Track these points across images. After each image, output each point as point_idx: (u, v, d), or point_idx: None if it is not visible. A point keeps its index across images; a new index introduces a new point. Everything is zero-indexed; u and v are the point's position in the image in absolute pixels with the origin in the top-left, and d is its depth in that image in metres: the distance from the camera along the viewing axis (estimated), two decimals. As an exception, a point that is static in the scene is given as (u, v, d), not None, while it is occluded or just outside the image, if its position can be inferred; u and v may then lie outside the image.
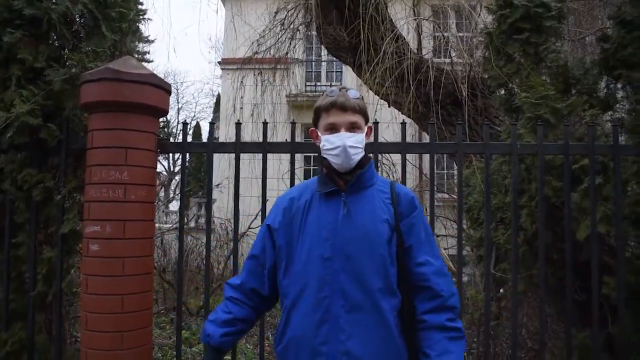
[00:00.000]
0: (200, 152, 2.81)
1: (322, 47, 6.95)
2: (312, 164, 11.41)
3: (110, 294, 2.35)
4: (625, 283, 2.59)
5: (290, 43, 7.34)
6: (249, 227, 6.99)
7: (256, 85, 8.01)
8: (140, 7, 3.37)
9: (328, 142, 1.74)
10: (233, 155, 2.67)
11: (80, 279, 2.60)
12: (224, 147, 2.77)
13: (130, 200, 2.40)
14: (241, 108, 7.82)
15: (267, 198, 2.66)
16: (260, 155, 2.68)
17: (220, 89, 12.50)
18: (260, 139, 2.68)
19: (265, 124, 2.76)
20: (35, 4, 2.56)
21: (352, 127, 1.74)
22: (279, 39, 7.30)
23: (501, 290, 3.41)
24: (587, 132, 2.61)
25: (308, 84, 12.28)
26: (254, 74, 8.04)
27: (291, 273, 1.75)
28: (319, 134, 1.80)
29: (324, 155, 1.78)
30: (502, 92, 3.44)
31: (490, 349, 2.89)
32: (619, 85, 3.27)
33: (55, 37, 2.67)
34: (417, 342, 1.72)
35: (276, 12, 7.25)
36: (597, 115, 2.86)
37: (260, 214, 2.75)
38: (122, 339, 2.35)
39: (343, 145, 1.71)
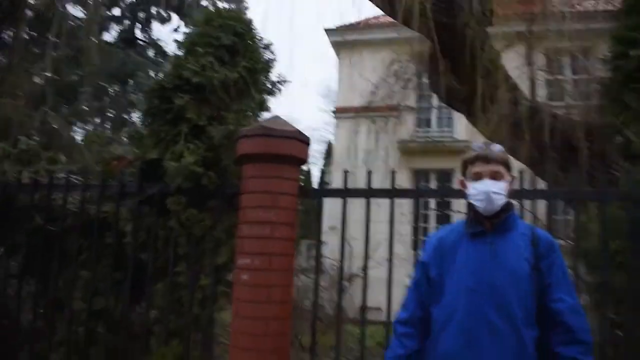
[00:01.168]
0: (335, 197, 3.18)
1: (433, 94, 7.23)
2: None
3: (257, 317, 2.76)
4: None
5: (403, 93, 7.70)
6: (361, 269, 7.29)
7: (369, 133, 8.43)
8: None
9: (474, 189, 2.03)
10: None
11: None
12: (356, 193, 3.11)
13: (275, 237, 2.82)
14: (355, 155, 8.23)
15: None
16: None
17: (334, 137, 13.13)
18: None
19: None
20: (200, 74, 3.13)
21: (495, 176, 2.02)
22: (391, 89, 7.69)
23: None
24: None
25: (419, 129, 12.57)
26: (368, 123, 8.47)
27: (441, 303, 2.02)
28: (466, 183, 2.09)
29: (470, 201, 2.06)
30: (619, 139, 3.52)
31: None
32: None
33: (214, 100, 3.22)
34: None
35: (390, 64, 7.66)
36: None
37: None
38: (265, 357, 2.73)
39: (487, 191, 1.99)
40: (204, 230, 3.07)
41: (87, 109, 11.71)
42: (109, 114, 13.54)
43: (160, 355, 3.03)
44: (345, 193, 3.03)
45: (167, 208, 3.15)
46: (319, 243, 3.13)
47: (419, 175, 12.19)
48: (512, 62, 6.64)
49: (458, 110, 7.06)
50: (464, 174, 2.13)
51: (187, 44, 3.27)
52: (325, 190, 3.14)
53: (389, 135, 8.27)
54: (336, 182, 11.97)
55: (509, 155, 2.35)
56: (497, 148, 2.08)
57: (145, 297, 3.44)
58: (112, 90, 13.55)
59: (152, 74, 13.57)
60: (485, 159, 2.04)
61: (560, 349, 1.91)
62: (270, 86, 3.66)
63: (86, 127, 12.22)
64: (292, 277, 2.95)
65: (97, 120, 13.25)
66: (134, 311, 3.39)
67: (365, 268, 3.12)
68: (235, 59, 3.31)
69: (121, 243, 3.28)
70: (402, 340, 2.11)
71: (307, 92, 47.25)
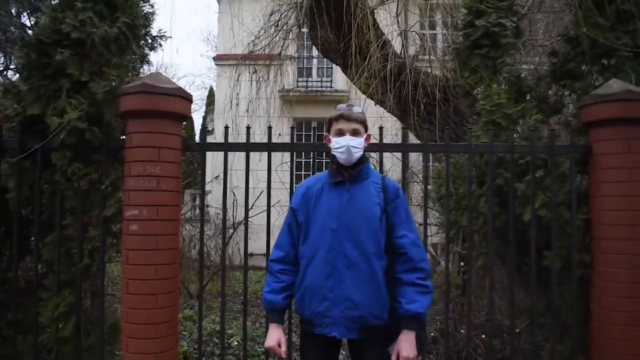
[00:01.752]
0: (217, 151, 3.42)
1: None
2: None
3: (147, 264, 3.00)
4: (559, 256, 3.28)
5: (283, 42, 7.90)
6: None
7: (251, 82, 8.58)
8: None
9: (336, 143, 2.41)
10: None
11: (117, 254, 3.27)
12: (237, 147, 3.37)
13: (162, 189, 3.04)
14: (237, 104, 8.39)
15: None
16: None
17: (215, 84, 13.07)
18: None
19: (269, 128, 3.39)
20: (80, 29, 3.16)
21: (354, 133, 2.41)
22: (272, 39, 7.86)
23: (462, 264, 4.09)
24: (529, 135, 3.28)
25: (300, 79, 12.90)
26: (249, 72, 8.59)
27: (307, 241, 2.42)
28: (330, 137, 2.45)
29: (333, 153, 2.43)
30: (468, 98, 4.10)
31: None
32: (566, 93, 3.94)
33: (95, 56, 3.27)
34: (395, 294, 2.39)
35: (271, 14, 7.80)
36: (539, 119, 3.51)
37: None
38: (157, 300, 3.01)
39: (347, 145, 2.38)
40: (90, 184, 3.19)
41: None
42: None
43: (54, 305, 3.17)
44: (226, 147, 3.30)
45: (51, 162, 3.21)
46: (203, 194, 3.39)
47: (301, 124, 12.61)
48: (389, 18, 7.10)
49: (335, 63, 7.46)
50: (328, 130, 2.50)
51: (66, 0, 3.25)
52: (207, 144, 3.38)
53: (270, 84, 8.47)
54: (218, 128, 12.03)
55: (380, 107, 2.77)
56: (357, 109, 2.47)
57: (30, 251, 3.54)
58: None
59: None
60: (348, 118, 2.42)
61: (403, 275, 2.39)
62: (150, 40, 3.74)
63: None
64: (179, 226, 3.20)
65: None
66: (20, 266, 3.47)
67: (246, 216, 3.45)
68: (114, 14, 3.35)
69: (3, 199, 3.31)
70: (279, 276, 2.48)
71: (188, 38, 45.42)
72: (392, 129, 7.58)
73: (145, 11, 3.72)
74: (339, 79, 12.32)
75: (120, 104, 3.12)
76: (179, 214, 3.21)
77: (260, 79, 8.52)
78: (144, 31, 3.60)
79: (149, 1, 3.79)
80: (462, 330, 4.17)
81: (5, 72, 13.37)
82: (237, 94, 8.42)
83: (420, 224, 3.54)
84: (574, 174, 3.27)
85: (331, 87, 12.84)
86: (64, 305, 3.18)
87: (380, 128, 3.33)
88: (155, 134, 3.06)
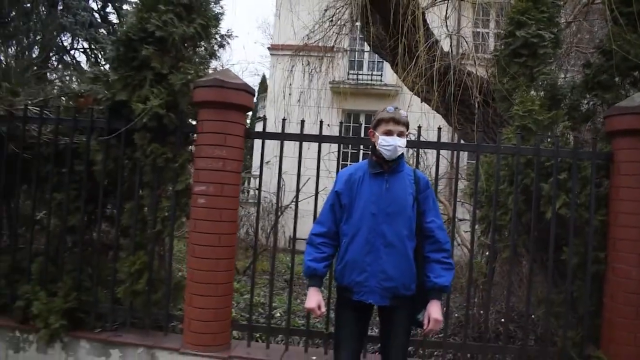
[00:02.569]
0: (274, 140, 3.94)
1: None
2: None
3: (211, 233, 3.55)
4: (576, 252, 3.64)
5: (337, 37, 8.34)
6: (292, 201, 8.18)
7: (304, 74, 9.07)
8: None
9: (385, 141, 2.84)
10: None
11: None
12: (291, 137, 3.87)
13: (226, 170, 3.58)
14: (290, 94, 8.89)
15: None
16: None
17: (269, 73, 13.67)
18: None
19: (321, 122, 3.88)
20: (163, 28, 3.72)
21: (400, 134, 2.86)
22: (326, 33, 8.32)
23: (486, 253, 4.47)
24: (554, 141, 3.65)
25: (351, 72, 13.33)
26: (302, 63, 9.07)
27: (350, 222, 2.89)
28: (377, 134, 2.90)
29: (379, 148, 2.87)
30: (505, 102, 4.45)
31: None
32: (598, 102, 4.25)
33: (174, 52, 3.83)
34: (423, 271, 2.87)
35: (326, 10, 8.27)
36: (567, 126, 3.87)
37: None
38: (218, 263, 3.56)
39: (395, 145, 2.83)
40: (165, 162, 3.76)
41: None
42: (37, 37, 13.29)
43: (131, 263, 3.78)
44: (283, 137, 3.81)
45: (133, 142, 3.80)
46: (260, 177, 3.91)
47: (349, 115, 13.06)
48: (438, 20, 7.44)
49: (384, 59, 7.85)
50: (375, 127, 2.96)
51: (150, 3, 3.81)
52: (267, 134, 3.89)
53: (322, 76, 8.92)
54: (270, 116, 12.59)
55: (425, 104, 3.19)
56: (403, 114, 2.91)
57: (106, 217, 4.17)
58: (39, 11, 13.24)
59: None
60: (397, 121, 2.86)
61: (430, 254, 2.86)
62: (219, 39, 4.28)
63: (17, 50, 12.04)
64: (238, 202, 3.74)
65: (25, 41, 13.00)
66: (100, 229, 4.09)
67: (296, 200, 3.95)
68: (191, 16, 3.90)
69: (90, 171, 3.93)
70: (320, 247, 2.96)
71: (245, 25, 46.38)
72: (437, 126, 7.93)
73: (215, 12, 4.26)
74: (389, 73, 12.69)
75: (194, 95, 3.66)
76: (239, 192, 3.75)
77: (313, 70, 9.00)
78: (214, 30, 4.12)
79: (219, 2, 4.33)
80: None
81: (72, 51, 14.36)
82: (290, 84, 8.91)
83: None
84: (594, 178, 3.61)
85: (381, 80, 13.23)
86: (139, 263, 3.78)
87: (419, 127, 3.77)
88: (224, 122, 3.60)
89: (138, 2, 3.95)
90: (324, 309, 2.95)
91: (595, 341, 3.64)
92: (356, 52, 13.57)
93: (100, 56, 14.10)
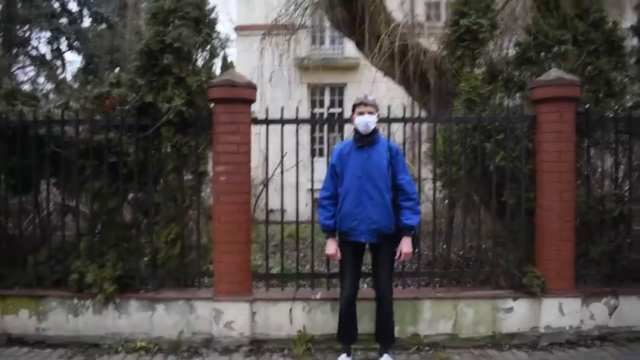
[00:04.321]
0: (276, 124, 4.98)
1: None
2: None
3: (232, 203, 4.64)
4: (513, 195, 4.88)
5: (301, 19, 9.25)
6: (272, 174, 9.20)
7: (273, 54, 9.91)
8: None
9: (359, 120, 4.02)
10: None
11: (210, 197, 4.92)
12: (289, 121, 4.94)
13: (240, 152, 4.65)
14: (262, 75, 9.77)
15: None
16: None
17: (236, 52, 14.47)
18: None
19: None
20: (179, 40, 4.70)
21: (370, 113, 4.01)
22: (291, 17, 9.21)
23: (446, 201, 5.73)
24: (489, 107, 4.84)
25: (313, 47, 14.29)
26: (270, 44, 9.93)
27: (343, 184, 4.06)
28: (354, 116, 4.05)
29: (356, 127, 4.04)
30: (455, 79, 5.60)
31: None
32: (527, 74, 5.45)
33: (189, 58, 4.84)
34: (398, 215, 4.04)
35: (290, -6, 9.12)
36: (502, 97, 5.07)
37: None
38: (240, 226, 4.67)
39: (366, 121, 4.00)
40: (189, 149, 4.80)
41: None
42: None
43: (166, 233, 4.83)
44: (282, 122, 4.91)
45: (158, 135, 4.81)
46: (267, 157, 4.98)
47: (315, 89, 14.09)
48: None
49: (350, 39, 8.85)
50: (353, 111, 4.09)
51: (162, 17, 4.78)
52: (269, 120, 4.96)
53: (286, 53, 9.79)
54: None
55: (388, 77, 4.30)
56: (371, 98, 4.04)
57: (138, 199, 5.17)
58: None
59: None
60: (365, 104, 4.03)
61: (402, 202, 4.05)
62: (219, 44, 5.28)
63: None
64: (250, 177, 4.82)
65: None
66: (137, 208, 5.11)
67: (298, 176, 5.05)
68: (199, 26, 4.90)
69: (124, 161, 4.91)
70: (329, 208, 4.14)
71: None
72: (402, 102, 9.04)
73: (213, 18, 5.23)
74: (350, 47, 13.65)
75: (209, 93, 4.70)
76: (250, 168, 4.82)
77: (280, 50, 9.89)
78: (216, 38, 5.13)
79: (214, 10, 5.31)
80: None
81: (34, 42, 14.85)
82: (262, 65, 9.78)
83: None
84: (524, 136, 4.82)
85: (342, 53, 14.25)
86: (173, 233, 4.84)
87: (389, 107, 4.90)
88: (235, 113, 4.67)
89: (151, 16, 4.90)
90: (339, 254, 4.11)
91: (531, 260, 4.91)
92: (318, 28, 14.50)
93: (63, 46, 14.73)
